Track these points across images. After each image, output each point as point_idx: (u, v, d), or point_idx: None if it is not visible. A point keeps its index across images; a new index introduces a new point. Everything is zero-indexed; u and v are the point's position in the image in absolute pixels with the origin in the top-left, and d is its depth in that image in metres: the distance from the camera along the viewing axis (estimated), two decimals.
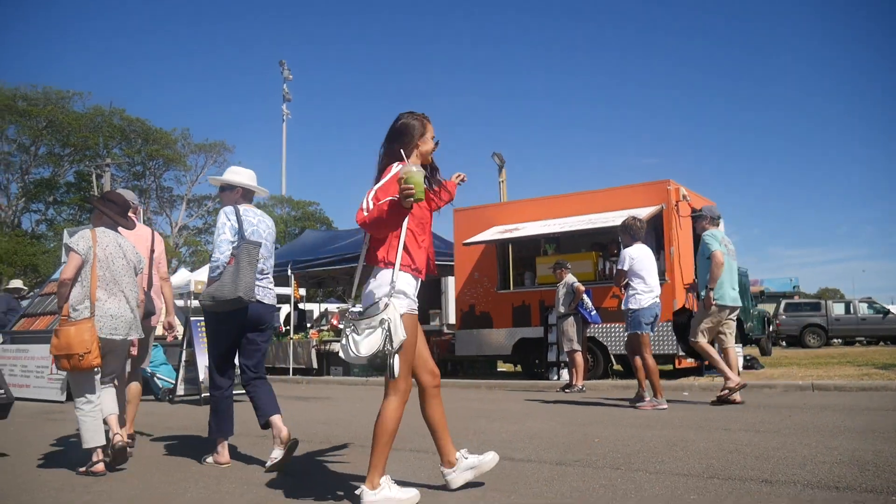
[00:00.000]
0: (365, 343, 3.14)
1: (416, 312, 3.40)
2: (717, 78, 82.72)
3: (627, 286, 7.50)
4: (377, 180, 3.44)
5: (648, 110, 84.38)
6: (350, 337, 3.19)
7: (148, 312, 5.33)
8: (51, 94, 38.45)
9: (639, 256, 7.44)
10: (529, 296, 11.77)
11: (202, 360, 9.56)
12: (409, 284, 3.36)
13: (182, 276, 17.80)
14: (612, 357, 10.94)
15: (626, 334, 7.76)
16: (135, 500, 3.69)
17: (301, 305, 18.23)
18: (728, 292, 7.40)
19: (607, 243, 11.41)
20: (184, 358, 9.48)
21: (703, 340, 7.40)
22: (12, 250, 32.51)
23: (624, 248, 7.64)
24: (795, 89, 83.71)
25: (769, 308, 23.47)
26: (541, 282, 11.75)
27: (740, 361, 11.70)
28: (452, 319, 13.49)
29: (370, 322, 3.16)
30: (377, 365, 3.12)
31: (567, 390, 9.47)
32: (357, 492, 3.30)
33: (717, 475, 3.77)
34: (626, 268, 7.44)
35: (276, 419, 4.52)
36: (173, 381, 9.74)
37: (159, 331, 5.92)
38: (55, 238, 34.81)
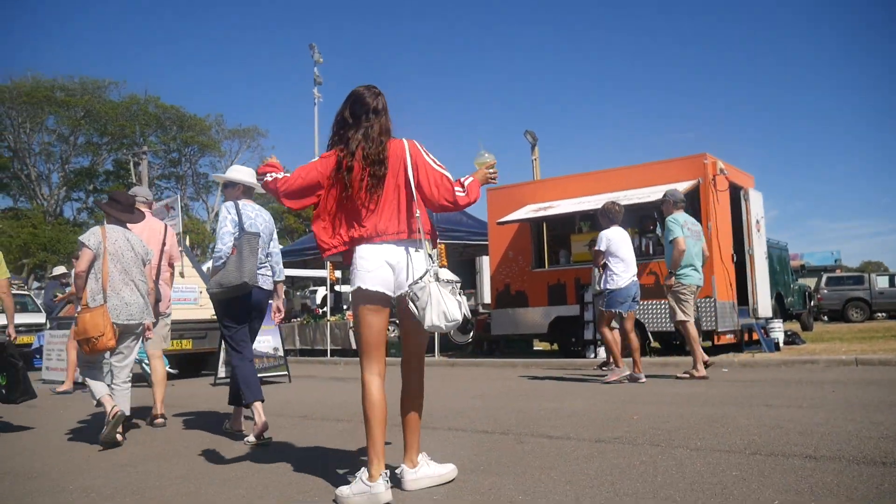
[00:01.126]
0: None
1: None
2: (751, 49, 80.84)
3: (605, 267, 7.85)
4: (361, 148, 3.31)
5: (682, 84, 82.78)
6: (459, 297, 3.17)
7: (155, 300, 5.75)
8: (87, 83, 39.20)
9: (615, 238, 7.79)
10: (565, 274, 11.70)
11: None
12: None
13: None
14: (649, 334, 10.86)
15: (601, 309, 8.10)
16: (183, 478, 3.77)
17: (337, 287, 18.39)
18: (692, 273, 7.90)
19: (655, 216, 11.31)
20: None
21: (690, 321, 7.85)
22: (55, 238, 33.37)
23: (601, 232, 7.97)
24: (833, 58, 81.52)
25: (810, 282, 23.04)
26: (576, 259, 11.68)
27: (781, 337, 11.54)
28: (487, 299, 13.48)
29: (456, 286, 3.21)
30: (469, 327, 3.21)
31: (604, 368, 9.43)
32: (397, 471, 3.33)
33: (760, 451, 3.73)
34: (602, 248, 7.82)
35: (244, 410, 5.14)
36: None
37: (164, 308, 6.20)
38: (96, 225, 35.52)
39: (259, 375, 9.82)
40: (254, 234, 4.97)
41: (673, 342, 11.96)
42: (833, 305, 24.02)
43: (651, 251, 11.06)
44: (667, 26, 78.16)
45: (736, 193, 11.22)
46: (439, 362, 11.92)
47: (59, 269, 13.85)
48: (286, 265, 18.82)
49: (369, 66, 73.71)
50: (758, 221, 11.33)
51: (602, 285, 7.92)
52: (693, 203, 10.80)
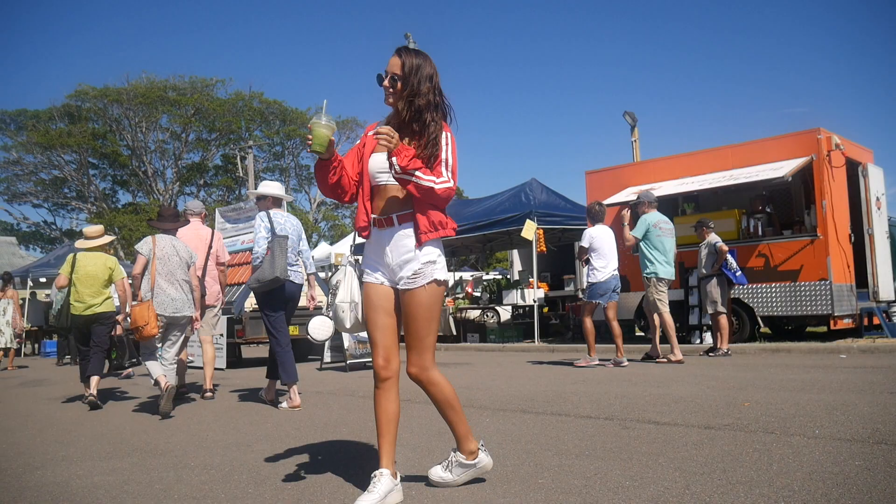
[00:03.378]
0: None
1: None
2: (867, 15, 75.47)
3: (588, 262, 8.53)
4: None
5: (794, 56, 78.34)
6: None
7: (201, 295, 6.78)
8: (196, 82, 41.10)
9: (598, 236, 8.50)
10: None
11: None
12: None
13: (323, 250, 18.58)
14: (758, 319, 10.43)
15: (583, 300, 8.84)
16: (294, 460, 3.91)
17: None
18: (664, 268, 8.68)
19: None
20: None
21: (663, 312, 8.65)
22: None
23: (586, 230, 8.69)
24: None
25: None
26: (679, 242, 11.30)
27: None
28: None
29: None
30: None
31: (711, 354, 9.15)
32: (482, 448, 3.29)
33: (885, 441, 3.52)
34: (586, 245, 8.52)
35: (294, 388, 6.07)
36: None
37: (211, 301, 7.29)
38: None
39: (359, 360, 10.15)
40: (283, 237, 6.01)
41: (785, 327, 11.47)
42: None
43: (760, 232, 10.61)
44: None
45: (853, 170, 10.58)
46: (539, 347, 11.83)
47: None
48: None
49: (463, 54, 73.76)
50: (878, 199, 10.66)
51: (585, 278, 8.62)
52: (805, 182, 10.28)
